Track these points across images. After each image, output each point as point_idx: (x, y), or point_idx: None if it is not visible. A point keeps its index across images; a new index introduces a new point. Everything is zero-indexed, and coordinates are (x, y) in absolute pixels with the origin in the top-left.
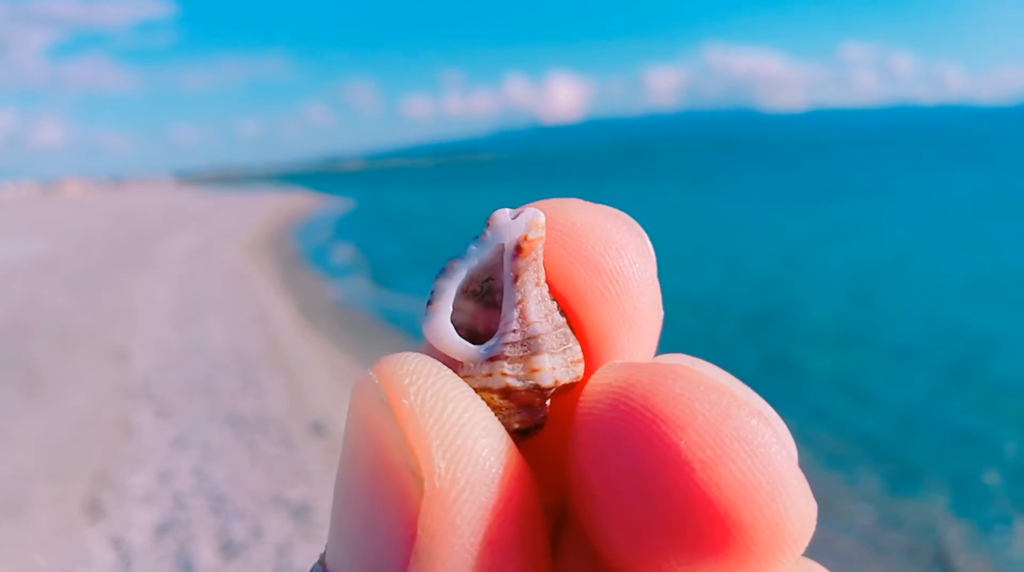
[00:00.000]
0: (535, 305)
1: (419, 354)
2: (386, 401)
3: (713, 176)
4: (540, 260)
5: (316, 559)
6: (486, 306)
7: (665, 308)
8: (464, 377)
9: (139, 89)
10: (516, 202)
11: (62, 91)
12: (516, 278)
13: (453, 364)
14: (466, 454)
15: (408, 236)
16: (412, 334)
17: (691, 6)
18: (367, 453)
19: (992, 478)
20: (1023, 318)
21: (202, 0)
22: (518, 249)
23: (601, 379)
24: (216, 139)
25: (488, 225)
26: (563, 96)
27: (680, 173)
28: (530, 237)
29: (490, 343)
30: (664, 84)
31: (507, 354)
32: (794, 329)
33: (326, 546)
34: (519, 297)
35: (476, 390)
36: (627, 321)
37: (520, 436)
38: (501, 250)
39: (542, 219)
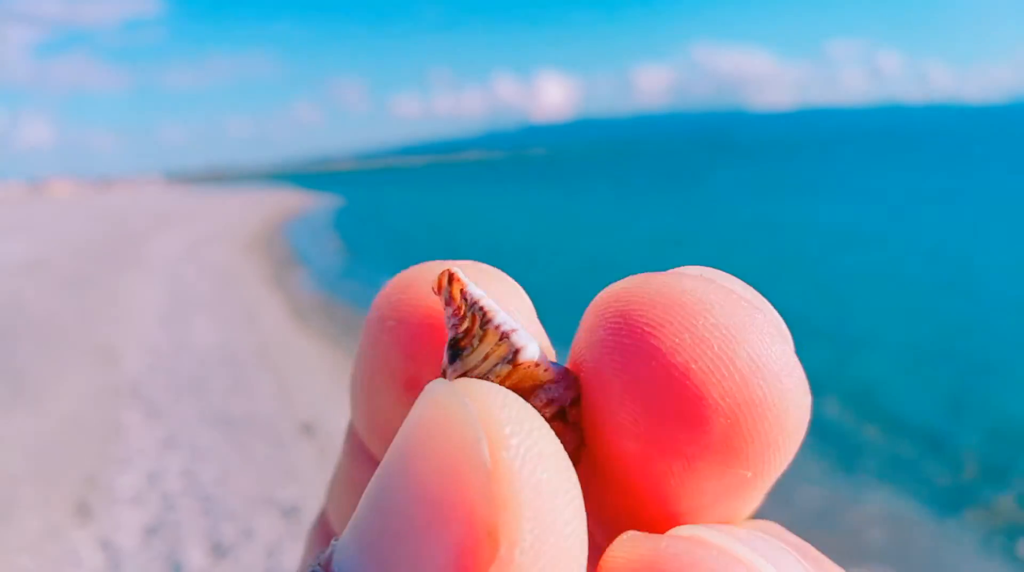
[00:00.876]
0: (450, 313)
1: (513, 395)
2: (485, 449)
3: (702, 175)
4: (451, 290)
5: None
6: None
7: None
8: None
9: (127, 88)
10: (507, 201)
11: (49, 90)
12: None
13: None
14: (554, 535)
15: (398, 235)
16: None
17: (679, 3)
18: (439, 487)
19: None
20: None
21: None
22: (438, 293)
23: (615, 286)
24: (205, 138)
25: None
26: (552, 95)
27: (669, 172)
28: (437, 285)
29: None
30: (652, 82)
31: (461, 353)
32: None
33: (332, 549)
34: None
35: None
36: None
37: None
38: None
39: (440, 271)
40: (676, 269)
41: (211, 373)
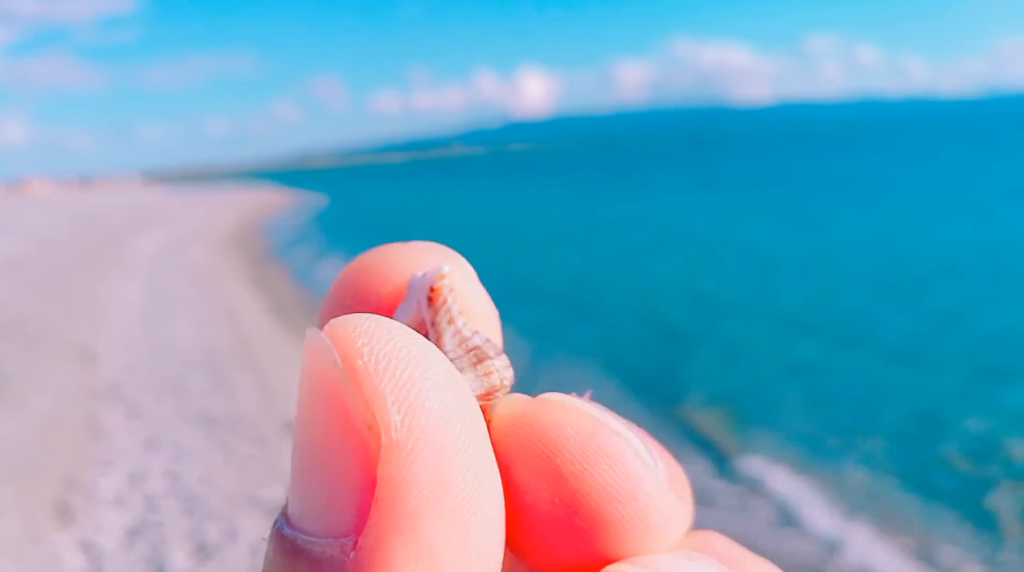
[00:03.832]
0: (448, 338)
1: (373, 315)
2: (339, 361)
3: (683, 169)
4: (448, 303)
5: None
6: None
7: (636, 300)
8: None
9: (104, 87)
10: (490, 196)
11: (24, 89)
12: (432, 322)
13: None
14: (419, 408)
15: (379, 232)
16: None
17: None
18: (324, 412)
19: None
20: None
21: None
22: (428, 299)
23: (500, 411)
24: (184, 137)
25: (408, 288)
26: (533, 91)
27: (650, 166)
28: (435, 286)
29: None
30: (633, 78)
31: None
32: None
33: (287, 501)
34: (436, 336)
35: None
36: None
37: None
38: (419, 305)
39: (445, 269)
40: (545, 396)
41: (192, 372)
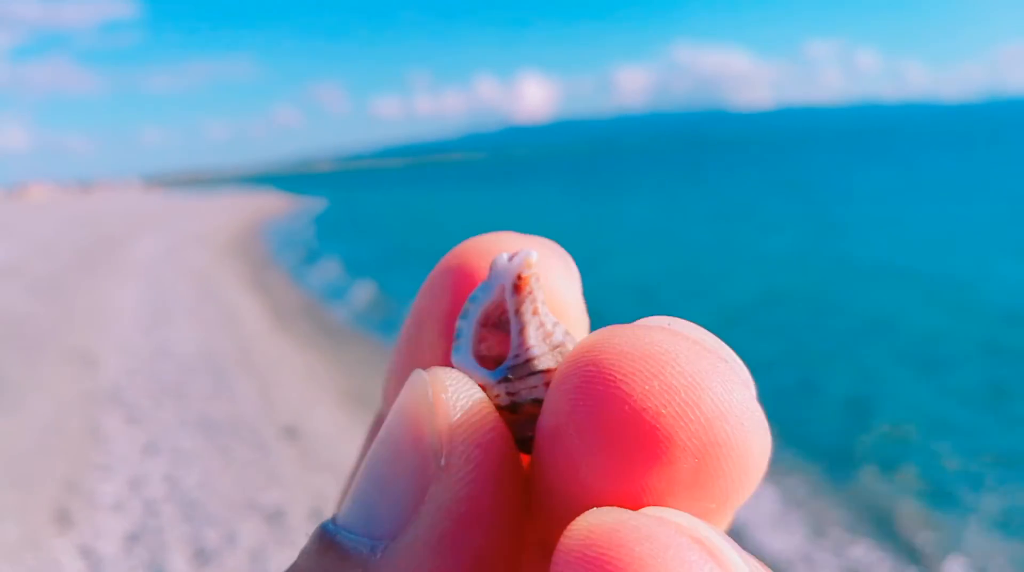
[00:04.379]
0: (533, 331)
1: (456, 371)
2: (430, 393)
3: (684, 175)
4: (535, 293)
5: (291, 561)
6: (506, 334)
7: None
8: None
9: (105, 91)
10: (489, 201)
11: (25, 94)
12: (516, 311)
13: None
14: (482, 444)
15: (379, 237)
16: (382, 335)
17: (659, 4)
18: (402, 434)
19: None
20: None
21: (167, 1)
22: (515, 287)
23: (583, 341)
24: (185, 141)
25: (490, 269)
26: (533, 96)
27: (651, 172)
28: (523, 275)
29: (500, 368)
30: (633, 83)
31: (510, 377)
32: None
33: (338, 507)
34: (520, 326)
35: (495, 406)
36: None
37: (529, 444)
38: (503, 289)
39: (533, 257)
40: (641, 321)
41: (192, 377)
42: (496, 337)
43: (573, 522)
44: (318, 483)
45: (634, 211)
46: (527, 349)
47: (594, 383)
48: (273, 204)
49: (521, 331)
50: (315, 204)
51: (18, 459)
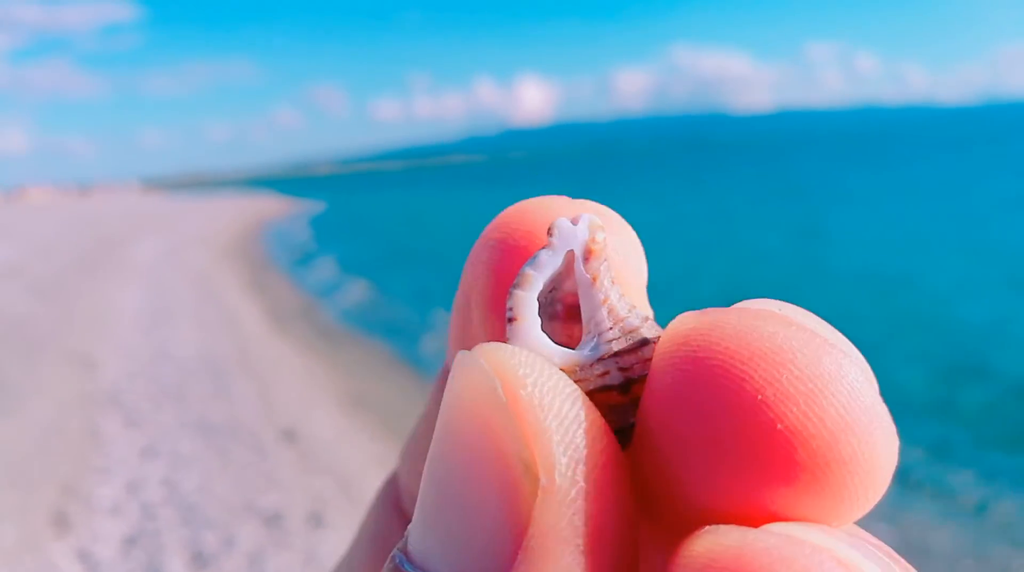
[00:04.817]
0: (619, 302)
1: (523, 349)
2: (500, 390)
3: (683, 177)
4: (608, 262)
5: (304, 565)
6: (549, 318)
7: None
8: (576, 382)
9: (104, 94)
10: (488, 204)
11: (25, 97)
12: (594, 280)
13: None
14: (589, 453)
15: (379, 239)
16: (381, 337)
17: (658, 7)
18: (473, 442)
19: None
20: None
21: (166, 4)
22: (588, 252)
23: (681, 326)
24: (184, 144)
25: (552, 234)
26: (532, 99)
27: (650, 174)
28: (597, 238)
29: (591, 344)
30: (632, 85)
31: (616, 349)
32: None
33: (407, 534)
34: (602, 297)
35: (594, 392)
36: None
37: (629, 433)
38: (571, 257)
39: (599, 221)
40: (744, 304)
41: (191, 380)
42: (550, 321)
43: (689, 544)
44: (317, 486)
45: (632, 213)
46: (623, 320)
47: (696, 385)
48: (272, 207)
49: (605, 301)
50: (315, 207)
51: (17, 461)
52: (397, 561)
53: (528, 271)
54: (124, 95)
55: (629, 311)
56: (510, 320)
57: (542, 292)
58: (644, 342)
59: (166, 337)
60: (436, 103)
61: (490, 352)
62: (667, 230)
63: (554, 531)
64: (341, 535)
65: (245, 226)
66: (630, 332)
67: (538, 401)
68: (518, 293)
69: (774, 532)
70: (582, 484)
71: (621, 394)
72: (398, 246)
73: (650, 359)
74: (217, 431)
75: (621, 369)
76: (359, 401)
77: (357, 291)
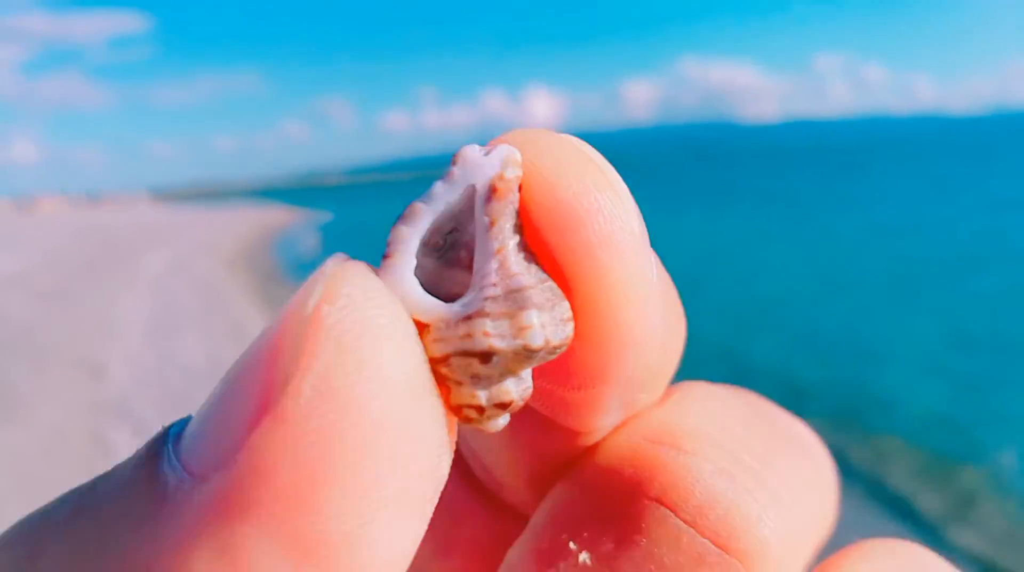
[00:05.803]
0: (515, 255)
1: (380, 282)
2: (311, 302)
3: (690, 186)
4: (517, 204)
5: None
6: (448, 264)
7: None
8: (434, 341)
9: (114, 105)
10: None
11: (36, 107)
12: (492, 224)
13: (419, 327)
14: (339, 394)
15: (384, 248)
16: None
17: (666, 18)
18: (266, 344)
19: None
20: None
21: (176, 16)
22: (492, 190)
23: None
24: (193, 155)
25: (455, 163)
26: (541, 110)
27: (658, 184)
28: (506, 175)
29: (466, 299)
30: (640, 96)
31: (488, 310)
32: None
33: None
34: (497, 245)
35: (452, 355)
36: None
37: (501, 410)
38: (471, 193)
39: (518, 156)
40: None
41: (198, 388)
42: (435, 265)
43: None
44: None
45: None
46: (512, 277)
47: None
48: (281, 218)
49: (499, 251)
50: (323, 217)
51: (24, 470)
52: (163, 441)
53: (417, 204)
54: (134, 106)
55: (526, 269)
56: (384, 256)
57: (440, 231)
58: (522, 307)
59: (174, 346)
60: (445, 115)
61: (339, 266)
62: (672, 240)
63: (263, 451)
64: None
65: (253, 236)
66: (513, 292)
67: (332, 324)
68: (400, 228)
69: None
70: (315, 421)
71: (482, 362)
72: None
73: (527, 328)
74: None
75: (485, 334)
76: None
77: None
